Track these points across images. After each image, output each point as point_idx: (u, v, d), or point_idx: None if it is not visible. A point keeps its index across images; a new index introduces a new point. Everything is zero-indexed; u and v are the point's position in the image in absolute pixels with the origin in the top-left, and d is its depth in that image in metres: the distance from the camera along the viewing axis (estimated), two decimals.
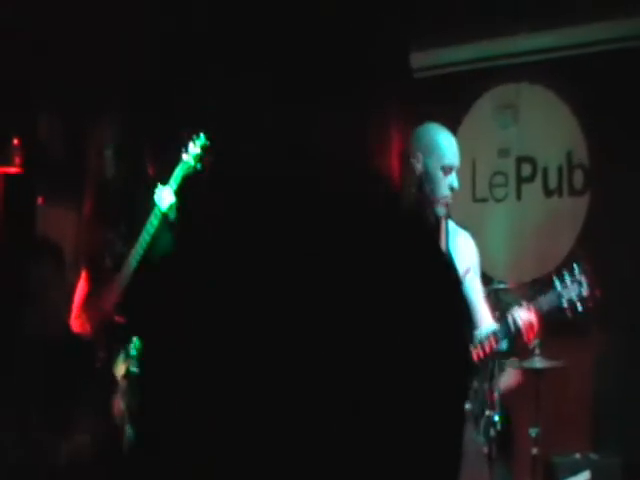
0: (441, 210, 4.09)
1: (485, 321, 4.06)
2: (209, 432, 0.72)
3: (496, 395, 4.83)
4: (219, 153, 5.08)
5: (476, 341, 3.90)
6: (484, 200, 6.11)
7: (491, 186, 6.09)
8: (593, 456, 5.03)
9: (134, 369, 4.85)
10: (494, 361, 4.92)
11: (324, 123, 6.48)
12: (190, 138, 4.95)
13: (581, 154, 5.76)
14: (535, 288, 4.03)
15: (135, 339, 4.90)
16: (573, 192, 5.79)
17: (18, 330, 4.14)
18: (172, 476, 0.75)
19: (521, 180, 5.98)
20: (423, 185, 4.07)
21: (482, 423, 4.68)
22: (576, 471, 4.92)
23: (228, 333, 0.72)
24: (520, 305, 3.87)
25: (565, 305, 3.85)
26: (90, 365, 4.26)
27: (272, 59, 6.58)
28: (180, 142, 4.97)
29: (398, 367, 0.73)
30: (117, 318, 4.94)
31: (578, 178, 5.78)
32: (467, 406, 4.10)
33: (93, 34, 6.15)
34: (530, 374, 4.77)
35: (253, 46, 6.59)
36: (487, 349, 3.90)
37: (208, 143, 4.93)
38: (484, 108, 6.15)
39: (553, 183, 5.86)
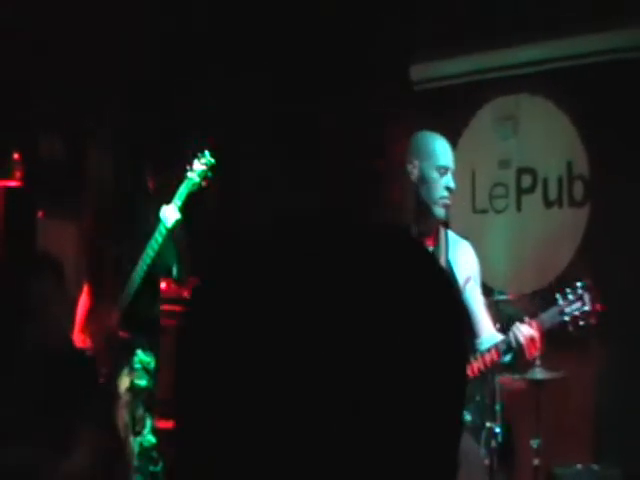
0: (439, 211, 4.10)
1: (486, 330, 4.06)
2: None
3: (497, 407, 4.84)
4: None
5: (477, 352, 3.90)
6: (484, 211, 6.11)
7: (491, 197, 6.10)
8: (594, 467, 5.02)
9: (137, 382, 4.86)
10: (494, 374, 4.93)
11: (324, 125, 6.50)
12: (195, 155, 4.96)
13: (581, 165, 5.77)
14: (536, 301, 4.04)
15: (139, 352, 4.91)
16: (573, 203, 5.79)
17: (19, 345, 4.13)
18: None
19: (521, 191, 5.99)
20: (420, 189, 4.09)
21: (483, 435, 4.68)
22: None
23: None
24: (522, 321, 3.87)
25: (567, 320, 3.86)
26: (93, 380, 4.26)
27: (272, 59, 6.59)
28: (184, 158, 4.98)
29: (403, 373, 0.77)
30: (121, 333, 4.94)
31: (578, 189, 5.78)
32: (468, 417, 4.10)
33: (95, 47, 6.17)
34: (531, 385, 4.77)
35: (253, 47, 6.60)
36: (488, 362, 3.89)
37: (213, 160, 4.94)
38: (484, 120, 6.16)
39: (553, 194, 5.87)
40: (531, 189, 5.95)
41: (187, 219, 4.99)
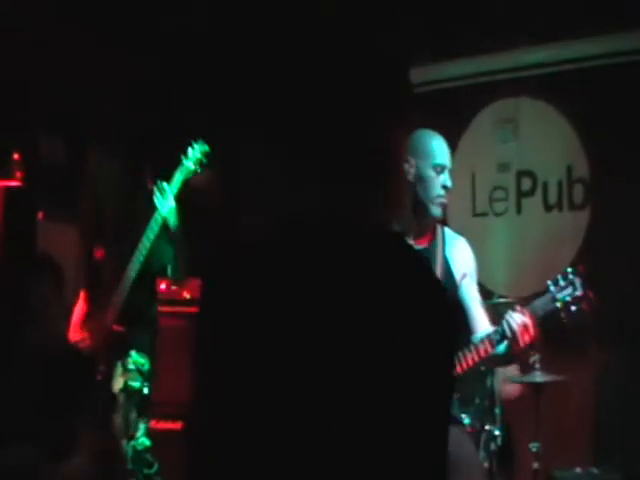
0: (436, 210, 4.10)
1: (481, 326, 4.05)
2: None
3: (497, 410, 4.83)
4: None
5: (472, 345, 3.89)
6: (484, 214, 6.11)
7: (491, 200, 6.10)
8: (594, 470, 5.02)
9: (131, 383, 4.84)
10: (493, 376, 4.92)
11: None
12: (189, 144, 5.01)
13: (581, 168, 5.77)
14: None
15: (133, 353, 4.90)
16: (573, 206, 5.79)
17: (18, 344, 4.13)
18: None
19: (521, 194, 5.99)
20: (417, 188, 4.10)
21: (483, 437, 4.68)
22: None
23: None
24: (515, 309, 3.87)
25: (559, 306, 3.85)
26: (89, 380, 4.25)
27: (272, 59, 6.59)
28: (180, 147, 5.03)
29: (392, 359, 0.84)
30: (115, 327, 4.93)
31: (578, 192, 5.78)
32: (467, 420, 4.09)
33: (96, 47, 6.17)
34: (530, 388, 4.76)
35: (253, 46, 6.61)
36: (482, 353, 3.89)
37: (207, 147, 4.99)
38: (484, 123, 6.16)
39: (553, 197, 5.87)
40: (531, 192, 5.95)
41: (185, 219, 5.02)
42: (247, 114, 6.56)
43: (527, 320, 3.81)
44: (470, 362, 3.87)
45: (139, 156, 5.16)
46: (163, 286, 5.61)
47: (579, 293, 3.85)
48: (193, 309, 5.63)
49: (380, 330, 0.81)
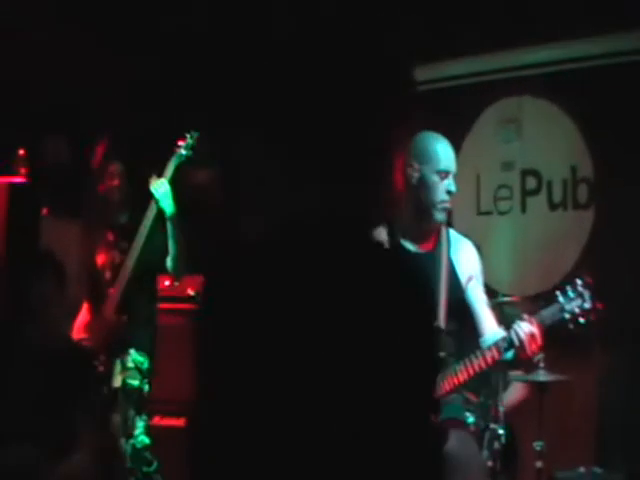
0: (440, 215, 4.09)
1: (489, 329, 4.05)
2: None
3: (500, 409, 4.83)
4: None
5: (479, 352, 3.89)
6: (488, 213, 6.11)
7: (495, 199, 6.09)
8: (597, 470, 5.00)
9: (130, 381, 4.85)
10: (498, 376, 4.92)
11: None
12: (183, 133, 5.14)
13: (585, 168, 5.76)
14: (540, 303, 4.03)
15: (132, 351, 4.90)
16: (578, 206, 5.78)
17: (18, 343, 4.13)
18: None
19: (526, 193, 5.98)
20: (420, 192, 4.09)
21: (486, 436, 4.67)
22: None
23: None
24: (523, 319, 3.87)
25: (567, 318, 3.85)
26: (89, 379, 4.25)
27: (274, 59, 6.59)
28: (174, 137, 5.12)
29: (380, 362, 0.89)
30: (116, 317, 4.93)
31: (582, 192, 5.77)
32: (471, 419, 4.09)
33: (100, 46, 6.18)
34: (534, 388, 4.76)
35: (254, 47, 6.61)
36: (490, 360, 3.89)
37: (197, 132, 5.07)
38: (487, 122, 6.15)
39: (558, 196, 5.86)
40: (536, 191, 5.94)
41: (185, 216, 5.07)
42: (247, 114, 6.56)
43: (535, 330, 3.81)
44: (477, 368, 3.87)
45: (140, 156, 5.18)
46: (167, 282, 5.60)
47: (588, 305, 3.85)
48: (194, 306, 5.64)
49: (371, 329, 0.88)
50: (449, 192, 4.09)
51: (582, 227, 5.71)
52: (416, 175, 4.10)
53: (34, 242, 5.21)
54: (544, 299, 4.09)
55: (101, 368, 4.76)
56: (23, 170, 5.39)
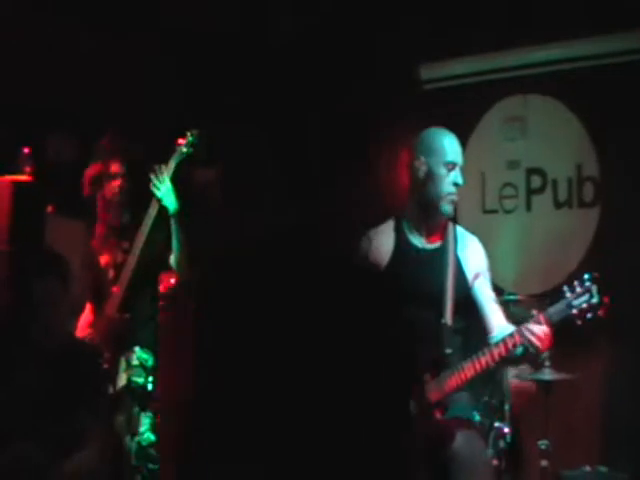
0: (447, 208, 4.09)
1: (497, 326, 4.05)
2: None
3: (506, 408, 4.83)
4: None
5: (486, 349, 3.89)
6: (494, 212, 6.10)
7: (501, 198, 6.09)
8: (602, 469, 5.00)
9: (135, 379, 4.85)
10: (502, 375, 4.91)
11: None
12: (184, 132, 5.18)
13: (591, 166, 5.75)
14: (546, 302, 4.02)
15: (136, 349, 4.90)
16: (583, 204, 5.77)
17: (22, 342, 4.13)
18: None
19: (531, 192, 5.97)
20: (428, 186, 4.09)
21: (492, 435, 4.67)
22: None
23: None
24: (531, 316, 3.87)
25: (575, 314, 3.84)
26: (93, 377, 4.25)
27: (276, 59, 6.58)
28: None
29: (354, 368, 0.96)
30: (120, 315, 4.93)
31: (588, 190, 5.76)
32: (477, 418, 4.09)
33: (106, 45, 6.18)
34: (540, 386, 4.75)
35: (255, 47, 6.60)
36: (496, 356, 3.88)
37: (199, 131, 5.09)
38: (492, 120, 6.14)
39: (563, 195, 5.84)
40: (541, 189, 5.93)
41: (187, 214, 5.09)
42: (247, 113, 6.56)
43: (545, 329, 3.81)
44: (484, 364, 3.87)
45: (141, 155, 5.19)
46: (172, 280, 5.60)
47: (595, 301, 3.83)
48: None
49: (342, 335, 0.95)
50: (456, 184, 4.09)
51: (587, 226, 5.70)
52: (423, 168, 4.10)
53: (39, 240, 5.20)
54: (550, 298, 4.07)
55: (106, 366, 4.76)
56: (28, 168, 5.39)
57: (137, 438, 4.79)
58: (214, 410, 0.93)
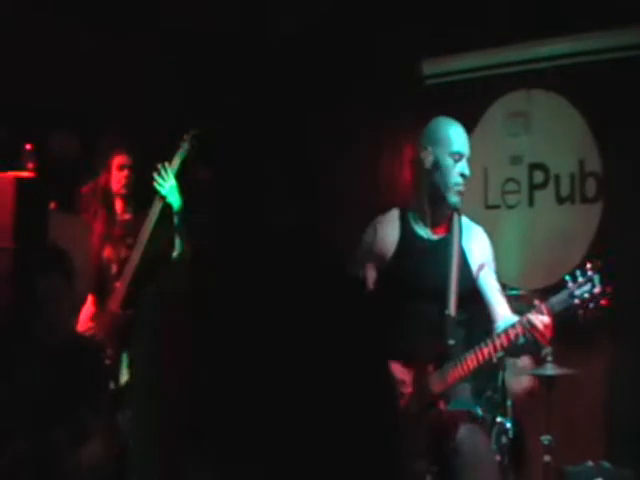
0: (454, 198, 4.08)
1: (502, 316, 4.05)
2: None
3: (508, 403, 4.83)
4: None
5: (489, 340, 3.89)
6: (496, 207, 6.10)
7: (503, 193, 6.08)
8: (606, 464, 5.00)
9: None
10: (505, 369, 4.91)
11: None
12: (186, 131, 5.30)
13: (593, 162, 5.74)
14: (547, 295, 4.02)
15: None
16: (585, 199, 5.77)
17: (26, 338, 4.13)
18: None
19: (533, 187, 5.97)
20: (434, 176, 4.08)
21: (494, 430, 4.67)
22: (589, 479, 4.90)
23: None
24: (534, 307, 3.87)
25: (577, 303, 3.84)
26: (97, 372, 4.26)
27: (279, 59, 6.58)
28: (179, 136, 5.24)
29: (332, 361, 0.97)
30: (123, 311, 4.94)
31: (590, 186, 5.76)
32: (480, 413, 4.09)
33: (109, 44, 6.18)
34: (542, 381, 4.75)
35: (256, 47, 6.60)
36: (498, 347, 3.89)
37: (200, 130, 5.16)
38: (495, 116, 6.14)
39: (566, 190, 5.84)
40: (543, 185, 5.93)
41: (190, 210, 5.12)
42: (248, 112, 6.56)
43: (547, 319, 3.80)
44: (487, 355, 3.87)
45: (145, 151, 5.21)
46: None
47: (597, 290, 3.83)
48: None
49: (319, 327, 0.98)
50: (463, 175, 4.08)
51: (590, 221, 5.69)
52: (429, 158, 4.09)
53: (42, 236, 5.21)
54: (552, 293, 4.07)
55: (109, 362, 4.77)
56: (31, 165, 5.39)
57: None
58: (206, 409, 0.96)
